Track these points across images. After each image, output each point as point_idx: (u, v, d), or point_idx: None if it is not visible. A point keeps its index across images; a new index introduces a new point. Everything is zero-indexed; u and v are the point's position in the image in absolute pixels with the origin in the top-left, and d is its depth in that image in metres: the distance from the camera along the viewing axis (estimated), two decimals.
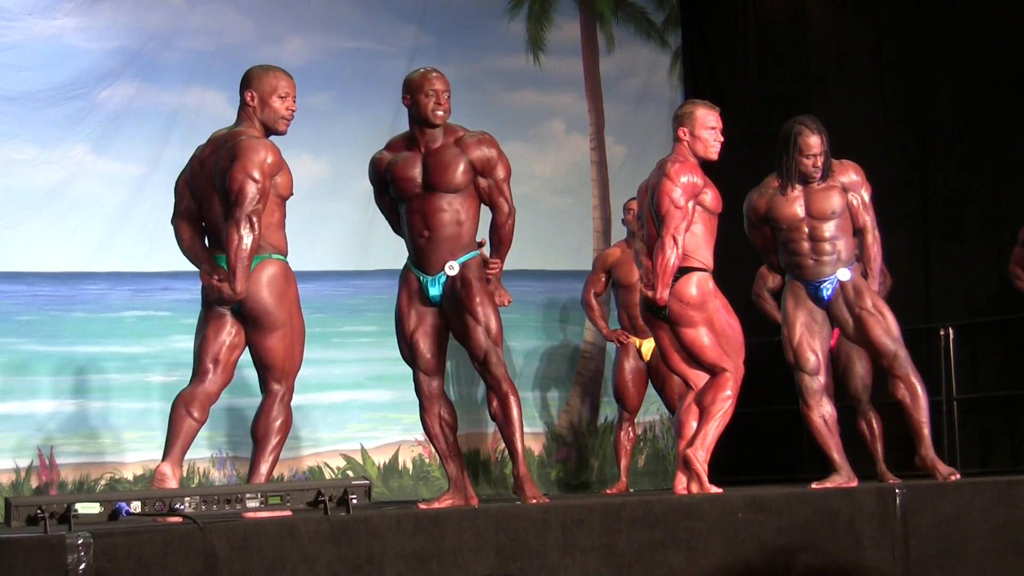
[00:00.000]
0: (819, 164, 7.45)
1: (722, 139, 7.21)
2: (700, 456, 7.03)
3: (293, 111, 6.43)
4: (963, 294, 10.40)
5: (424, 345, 6.89)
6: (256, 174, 6.13)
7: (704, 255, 7.13)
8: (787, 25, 11.71)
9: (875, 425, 8.97)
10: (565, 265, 11.33)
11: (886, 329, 7.49)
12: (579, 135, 11.79)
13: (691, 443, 7.08)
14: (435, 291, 6.86)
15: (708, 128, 7.16)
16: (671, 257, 6.96)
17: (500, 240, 7.01)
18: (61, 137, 9.67)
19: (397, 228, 7.11)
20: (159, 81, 10.06)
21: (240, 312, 6.32)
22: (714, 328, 7.13)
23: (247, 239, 6.10)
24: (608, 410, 11.21)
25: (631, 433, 9.93)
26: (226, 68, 10.02)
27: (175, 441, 6.23)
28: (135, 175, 9.88)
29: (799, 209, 7.50)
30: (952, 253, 10.26)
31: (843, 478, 7.46)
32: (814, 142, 7.44)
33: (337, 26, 10.85)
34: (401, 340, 6.94)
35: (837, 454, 7.53)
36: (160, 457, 6.23)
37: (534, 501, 6.60)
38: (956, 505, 6.62)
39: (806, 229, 7.51)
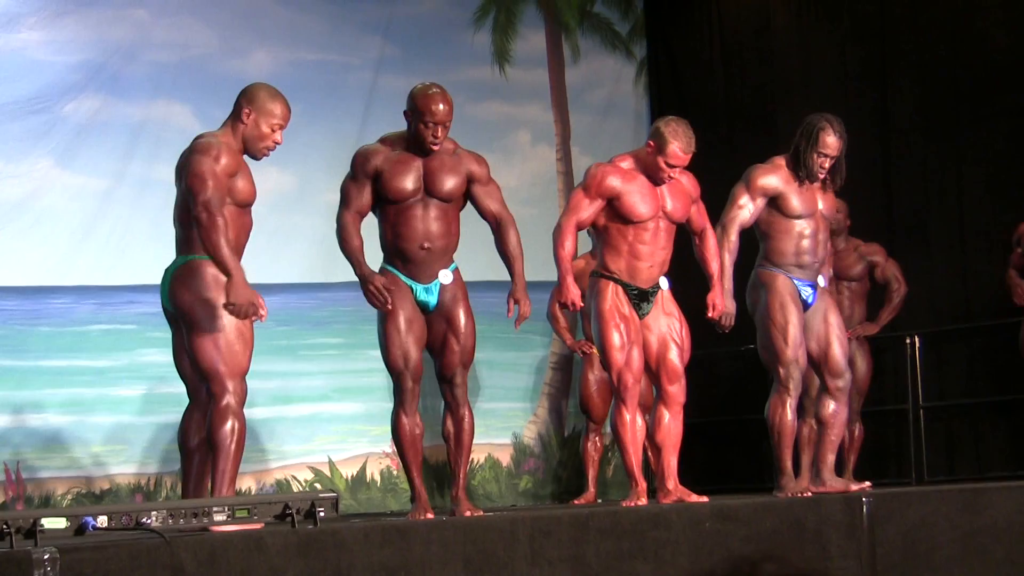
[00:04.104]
0: (826, 166, 7.44)
1: (673, 177, 7.17)
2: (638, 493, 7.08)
3: (278, 143, 6.23)
4: (928, 303, 10.44)
5: (415, 352, 6.76)
6: (206, 173, 5.90)
7: (607, 263, 7.20)
8: (752, 35, 11.74)
9: (856, 434, 9.00)
10: (530, 276, 11.20)
11: (845, 351, 7.54)
12: (545, 146, 11.80)
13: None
14: (432, 299, 6.81)
15: (668, 164, 7.12)
16: (559, 248, 7.22)
17: (514, 257, 7.03)
18: (25, 151, 9.62)
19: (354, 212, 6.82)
20: (123, 94, 10.02)
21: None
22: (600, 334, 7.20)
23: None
24: (575, 421, 11.21)
25: (598, 443, 9.93)
26: (191, 81, 10.02)
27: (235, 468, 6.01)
28: (100, 188, 9.84)
29: (818, 202, 7.54)
30: (917, 262, 10.29)
31: (787, 481, 7.44)
32: (832, 142, 7.43)
33: (302, 38, 10.82)
34: (395, 345, 6.73)
35: (787, 459, 7.48)
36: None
37: (468, 514, 6.58)
38: (922, 513, 6.65)
39: (819, 225, 7.53)
